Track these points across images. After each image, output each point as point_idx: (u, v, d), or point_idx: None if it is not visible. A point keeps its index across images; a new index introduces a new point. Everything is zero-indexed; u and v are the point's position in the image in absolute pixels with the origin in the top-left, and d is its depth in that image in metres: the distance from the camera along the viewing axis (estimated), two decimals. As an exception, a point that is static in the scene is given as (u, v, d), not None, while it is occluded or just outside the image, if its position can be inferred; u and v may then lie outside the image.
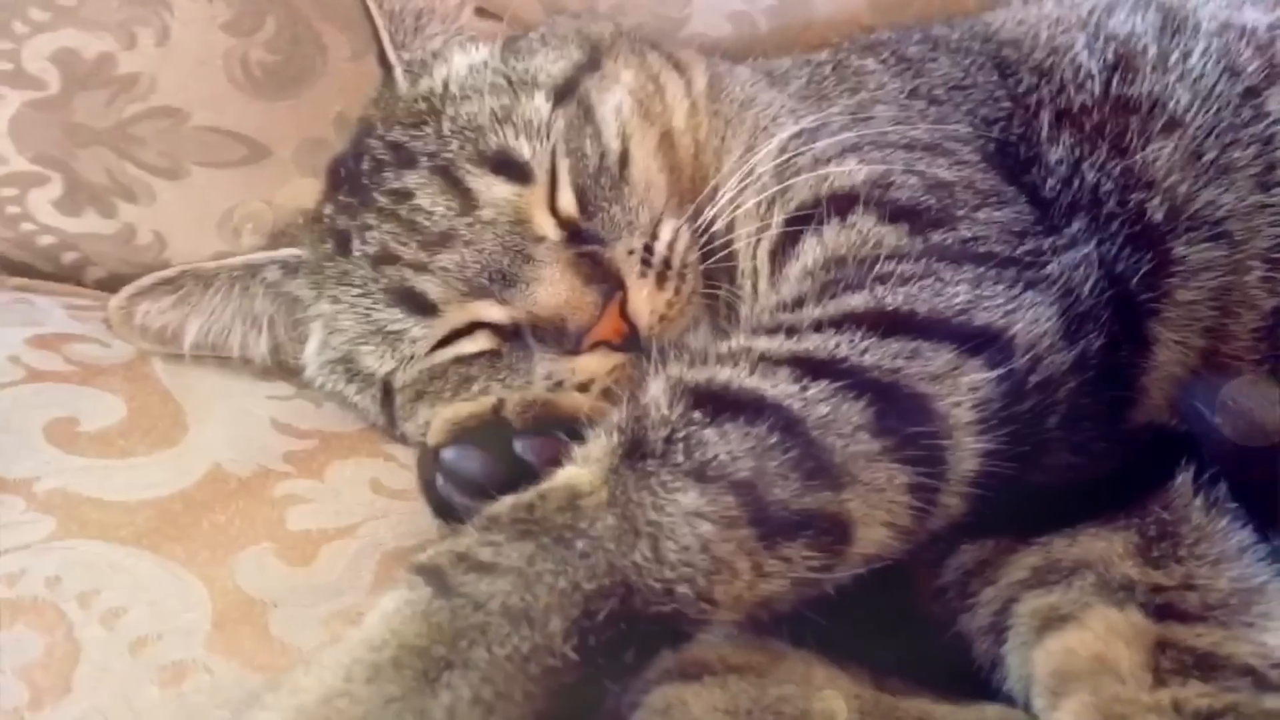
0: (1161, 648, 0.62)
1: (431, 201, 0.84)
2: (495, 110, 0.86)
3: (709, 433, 0.54)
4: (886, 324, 0.62)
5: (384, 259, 0.85)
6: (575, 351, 0.80)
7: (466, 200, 0.83)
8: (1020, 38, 0.98)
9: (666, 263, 0.81)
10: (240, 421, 0.84)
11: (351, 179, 0.90)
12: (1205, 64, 0.88)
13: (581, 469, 0.54)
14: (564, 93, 0.88)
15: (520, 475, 0.69)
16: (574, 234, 0.83)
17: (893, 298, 0.65)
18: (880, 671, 0.72)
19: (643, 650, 0.49)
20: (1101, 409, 0.70)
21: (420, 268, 0.84)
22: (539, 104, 0.86)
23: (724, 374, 0.58)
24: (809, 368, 0.58)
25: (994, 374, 0.61)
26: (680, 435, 0.54)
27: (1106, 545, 0.70)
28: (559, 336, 0.80)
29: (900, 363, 0.60)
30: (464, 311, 0.84)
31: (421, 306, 0.84)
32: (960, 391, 0.60)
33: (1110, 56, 0.91)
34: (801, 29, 1.20)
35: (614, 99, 0.89)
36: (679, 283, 0.82)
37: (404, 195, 0.85)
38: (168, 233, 1.12)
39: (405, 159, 0.87)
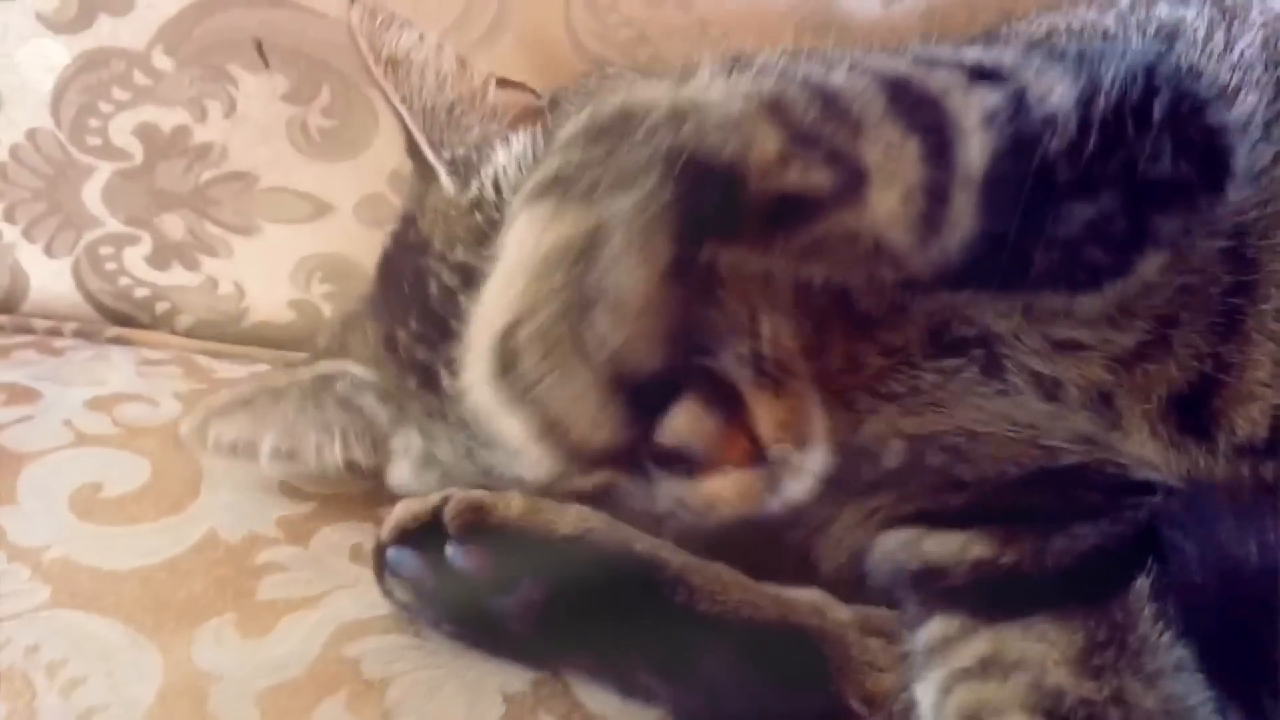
0: None
1: None
2: None
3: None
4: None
5: None
6: (699, 475, 0.74)
7: None
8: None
9: (779, 364, 0.74)
10: (251, 484, 0.92)
11: (421, 304, 0.84)
12: (1248, 53, 0.79)
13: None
14: None
15: (456, 581, 0.75)
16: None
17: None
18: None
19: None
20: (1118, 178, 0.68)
21: None
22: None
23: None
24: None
25: (1000, 93, 0.65)
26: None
27: (1048, 648, 0.69)
28: (682, 464, 0.74)
29: (912, 70, 0.65)
30: None
31: None
32: (969, 99, 0.63)
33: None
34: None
35: None
36: (802, 387, 0.75)
37: None
38: (245, 283, 1.23)
39: (478, 282, 0.77)
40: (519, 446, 0.52)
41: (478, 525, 0.76)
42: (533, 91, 1.00)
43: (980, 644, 0.72)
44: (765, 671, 0.73)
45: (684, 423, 0.73)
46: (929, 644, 0.75)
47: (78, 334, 1.19)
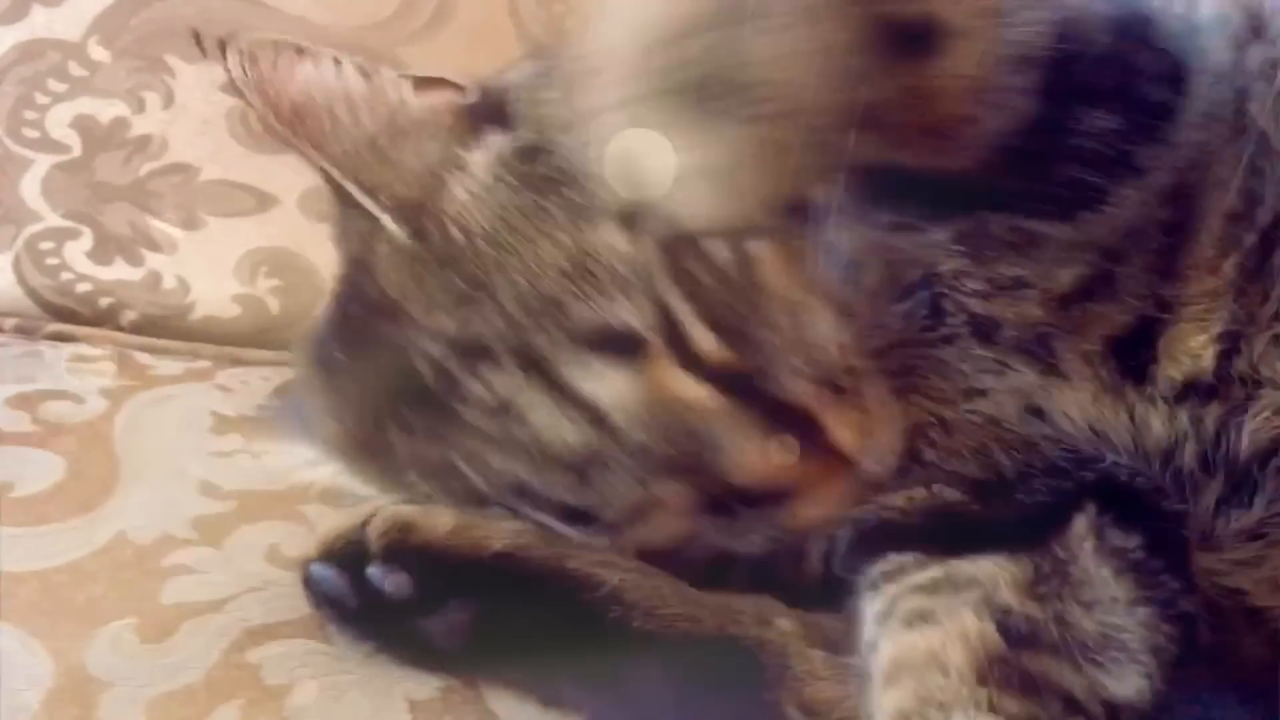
0: (1000, 661, 0.64)
1: (548, 418, 0.69)
2: (558, 264, 0.68)
3: None
4: None
5: (521, 492, 0.73)
6: (791, 504, 0.71)
7: (585, 408, 0.68)
8: None
9: (830, 364, 0.69)
10: (169, 484, 0.89)
11: (412, 388, 0.73)
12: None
13: None
14: (632, 210, 0.68)
15: (379, 602, 0.72)
16: (731, 381, 0.69)
17: None
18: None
19: None
20: None
21: (576, 492, 0.71)
22: (612, 240, 0.68)
23: None
24: None
25: None
26: None
27: (999, 571, 0.70)
28: (773, 498, 0.70)
29: None
30: (641, 504, 0.72)
31: (586, 519, 0.73)
32: None
33: None
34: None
35: None
36: (864, 383, 0.70)
37: (503, 411, 0.70)
38: (190, 278, 1.21)
39: (475, 352, 0.70)
40: (682, 181, 0.44)
41: (403, 544, 0.73)
42: (455, 85, 0.82)
43: (933, 570, 0.72)
44: (695, 683, 0.72)
45: (767, 464, 0.69)
46: (881, 572, 0.74)
47: (17, 330, 1.17)
